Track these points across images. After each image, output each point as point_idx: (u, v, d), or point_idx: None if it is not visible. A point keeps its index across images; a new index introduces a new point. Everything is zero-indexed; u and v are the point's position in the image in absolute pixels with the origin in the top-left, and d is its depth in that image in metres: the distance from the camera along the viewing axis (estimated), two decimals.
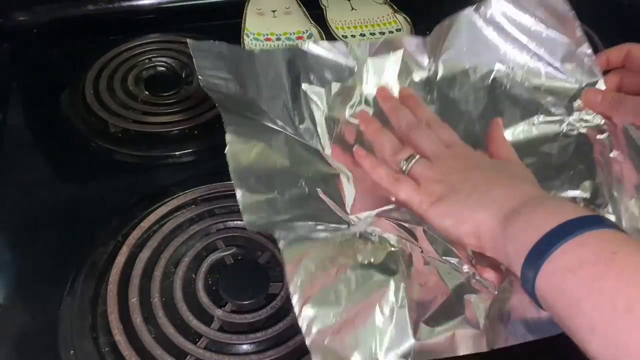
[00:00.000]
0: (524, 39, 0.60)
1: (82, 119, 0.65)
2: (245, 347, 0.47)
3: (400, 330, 0.42)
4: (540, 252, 0.36)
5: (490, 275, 0.46)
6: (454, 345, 0.42)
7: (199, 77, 0.52)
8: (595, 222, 0.37)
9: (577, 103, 0.58)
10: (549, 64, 0.60)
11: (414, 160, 0.48)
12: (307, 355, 0.46)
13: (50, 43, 0.76)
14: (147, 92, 0.69)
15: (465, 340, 0.43)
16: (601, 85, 0.58)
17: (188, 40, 0.55)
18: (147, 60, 0.73)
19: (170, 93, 0.69)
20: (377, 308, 0.42)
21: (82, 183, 0.61)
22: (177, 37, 0.75)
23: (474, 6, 0.60)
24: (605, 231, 0.36)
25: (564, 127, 0.58)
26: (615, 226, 0.37)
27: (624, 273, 0.33)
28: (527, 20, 0.59)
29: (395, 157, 0.50)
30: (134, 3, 0.80)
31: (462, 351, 0.42)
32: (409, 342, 0.42)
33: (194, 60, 0.53)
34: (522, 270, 0.38)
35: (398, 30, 0.80)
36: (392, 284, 0.44)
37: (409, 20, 0.80)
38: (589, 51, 0.59)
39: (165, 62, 0.73)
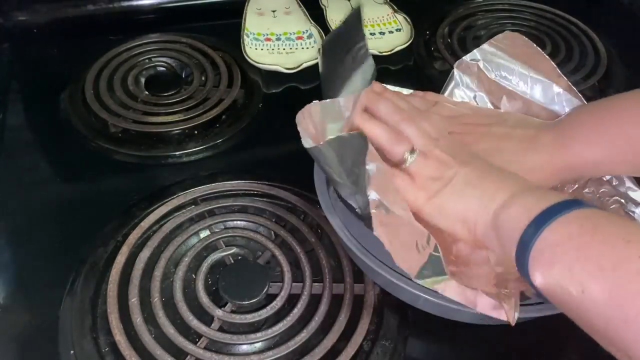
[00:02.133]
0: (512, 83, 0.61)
1: (82, 119, 0.65)
2: (245, 347, 0.47)
3: (435, 266, 0.43)
4: (531, 234, 0.39)
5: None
6: (476, 300, 0.43)
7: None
8: (577, 203, 0.40)
9: None
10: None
11: (415, 155, 0.47)
12: (307, 356, 0.46)
13: (50, 43, 0.76)
14: (147, 92, 0.69)
15: (488, 302, 0.43)
16: None
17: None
18: (147, 60, 0.72)
19: (170, 93, 0.69)
20: (417, 244, 0.44)
21: (82, 183, 0.61)
22: (177, 37, 0.75)
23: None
24: (587, 210, 0.39)
25: None
26: (595, 207, 0.40)
27: (606, 240, 0.36)
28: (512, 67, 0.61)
29: (395, 149, 0.48)
30: (134, 3, 0.80)
31: (481, 309, 0.43)
32: (443, 277, 0.43)
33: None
34: (516, 254, 0.40)
35: (398, 30, 0.80)
36: (432, 241, 0.45)
37: (408, 20, 0.80)
38: (560, 90, 0.59)
39: (165, 62, 0.73)
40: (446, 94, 0.61)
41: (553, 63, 0.59)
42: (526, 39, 0.61)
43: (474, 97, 0.61)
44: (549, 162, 0.50)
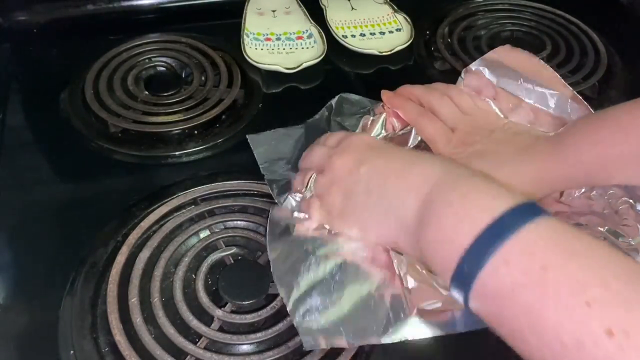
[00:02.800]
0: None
1: (82, 119, 0.65)
2: (245, 347, 0.47)
3: (396, 313, 0.42)
4: (465, 276, 0.33)
5: None
6: (454, 322, 0.42)
7: (260, 166, 0.57)
8: (513, 222, 0.32)
9: None
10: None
11: (311, 179, 0.48)
12: (307, 356, 0.46)
13: (50, 43, 0.76)
14: (147, 92, 0.69)
15: (466, 318, 0.42)
16: None
17: (248, 136, 0.60)
18: (147, 60, 0.72)
19: (170, 93, 0.69)
20: (369, 294, 0.43)
21: (82, 183, 0.61)
22: (177, 37, 0.75)
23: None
24: (528, 233, 0.32)
25: None
26: (534, 212, 0.33)
27: (561, 300, 0.29)
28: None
29: (302, 184, 0.50)
30: (134, 3, 0.80)
31: (462, 329, 0.42)
32: (407, 322, 0.42)
33: (254, 153, 0.59)
34: (451, 292, 0.35)
35: (398, 30, 0.80)
36: (381, 275, 0.44)
37: (409, 20, 0.80)
38: (566, 99, 0.59)
39: (165, 62, 0.73)
40: None
41: (556, 73, 0.59)
42: (526, 51, 0.61)
43: None
44: (543, 170, 0.49)
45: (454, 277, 0.34)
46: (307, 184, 0.49)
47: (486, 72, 0.61)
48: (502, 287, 0.31)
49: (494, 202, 0.34)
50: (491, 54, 0.62)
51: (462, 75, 0.62)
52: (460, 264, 0.33)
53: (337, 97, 0.63)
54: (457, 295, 0.34)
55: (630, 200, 0.52)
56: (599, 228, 0.51)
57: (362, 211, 0.42)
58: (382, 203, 0.40)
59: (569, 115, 0.58)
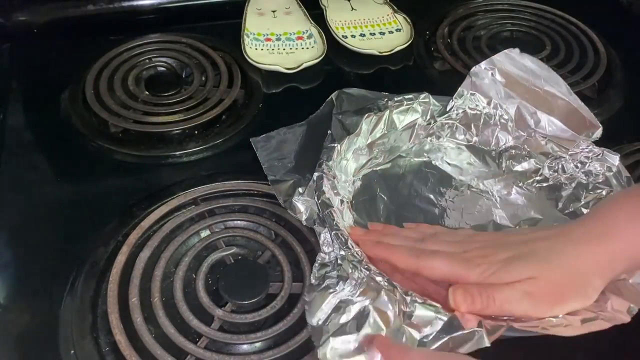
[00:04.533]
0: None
1: (82, 119, 0.65)
2: (245, 347, 0.47)
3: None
4: None
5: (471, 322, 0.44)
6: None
7: (263, 166, 0.58)
8: None
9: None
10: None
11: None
12: (307, 355, 0.46)
13: (50, 43, 0.76)
14: (147, 92, 0.69)
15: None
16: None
17: (251, 139, 0.62)
18: (147, 60, 0.72)
19: (170, 93, 0.69)
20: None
21: (82, 183, 0.61)
22: (177, 37, 0.75)
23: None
24: None
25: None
26: None
27: None
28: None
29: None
30: (134, 3, 0.80)
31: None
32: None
33: (257, 154, 0.60)
34: None
35: (398, 30, 0.80)
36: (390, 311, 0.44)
37: (408, 20, 0.80)
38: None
39: (165, 62, 0.73)
40: (462, 98, 0.61)
41: (565, 83, 0.60)
42: (536, 58, 0.61)
43: (488, 103, 0.61)
44: (596, 252, 0.45)
45: None
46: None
47: (495, 73, 0.61)
48: None
49: None
50: (501, 56, 0.62)
51: (470, 74, 0.62)
52: None
53: (336, 93, 0.63)
54: None
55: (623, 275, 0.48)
56: None
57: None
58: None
59: (576, 126, 0.58)
